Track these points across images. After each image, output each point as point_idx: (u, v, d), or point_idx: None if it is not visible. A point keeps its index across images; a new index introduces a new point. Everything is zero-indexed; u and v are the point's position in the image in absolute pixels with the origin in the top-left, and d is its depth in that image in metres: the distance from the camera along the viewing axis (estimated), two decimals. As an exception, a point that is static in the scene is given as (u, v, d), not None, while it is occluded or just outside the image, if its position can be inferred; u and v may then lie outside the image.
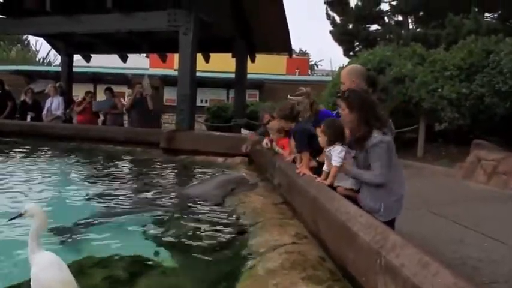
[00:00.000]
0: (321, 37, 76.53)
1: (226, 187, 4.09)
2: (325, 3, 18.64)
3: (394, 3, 17.87)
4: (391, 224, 2.53)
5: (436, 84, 9.00)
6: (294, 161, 3.53)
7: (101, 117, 9.60)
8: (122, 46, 10.71)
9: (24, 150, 6.46)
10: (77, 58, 11.82)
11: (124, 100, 11.73)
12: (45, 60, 30.75)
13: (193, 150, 6.34)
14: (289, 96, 3.71)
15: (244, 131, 10.45)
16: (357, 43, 18.58)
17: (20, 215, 1.90)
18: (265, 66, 18.33)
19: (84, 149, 6.94)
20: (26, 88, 9.99)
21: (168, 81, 17.34)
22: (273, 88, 17.69)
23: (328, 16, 18.92)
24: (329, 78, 15.69)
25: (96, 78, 18.13)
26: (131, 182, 4.85)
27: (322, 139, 2.85)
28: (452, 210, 5.07)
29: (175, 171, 5.68)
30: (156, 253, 2.60)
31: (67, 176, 4.95)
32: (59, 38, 10.50)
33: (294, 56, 19.83)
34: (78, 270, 2.20)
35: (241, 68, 10.47)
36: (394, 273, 1.51)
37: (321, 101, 8.32)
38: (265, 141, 4.44)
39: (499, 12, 15.72)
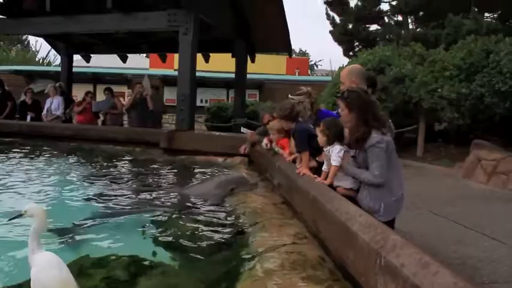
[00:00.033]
0: (321, 37, 76.63)
1: (226, 187, 4.09)
2: (325, 3, 18.62)
3: (394, 3, 17.85)
4: (390, 224, 2.53)
5: (435, 84, 9.00)
6: (294, 161, 3.53)
7: (101, 117, 9.60)
8: (122, 46, 10.71)
9: (24, 150, 6.44)
10: (77, 58, 11.81)
11: (124, 100, 11.71)
12: (45, 60, 30.67)
13: (193, 150, 6.34)
14: (289, 96, 3.69)
15: (244, 130, 10.44)
16: (357, 43, 18.57)
17: (20, 215, 1.89)
18: (265, 66, 18.37)
19: (84, 149, 6.92)
20: (26, 88, 9.98)
21: (168, 81, 17.35)
22: (273, 88, 17.69)
23: (328, 16, 18.92)
24: (329, 78, 15.73)
25: (96, 78, 18.14)
26: (131, 182, 4.83)
27: (321, 139, 2.85)
28: (452, 210, 5.08)
29: (175, 171, 5.67)
30: (156, 253, 2.60)
31: (67, 176, 4.94)
32: (58, 38, 10.48)
33: (293, 56, 19.85)
34: (78, 270, 2.21)
35: (241, 68, 10.46)
36: (394, 273, 1.51)
37: (321, 101, 8.33)
38: (265, 141, 4.43)
39: (499, 12, 15.70)
